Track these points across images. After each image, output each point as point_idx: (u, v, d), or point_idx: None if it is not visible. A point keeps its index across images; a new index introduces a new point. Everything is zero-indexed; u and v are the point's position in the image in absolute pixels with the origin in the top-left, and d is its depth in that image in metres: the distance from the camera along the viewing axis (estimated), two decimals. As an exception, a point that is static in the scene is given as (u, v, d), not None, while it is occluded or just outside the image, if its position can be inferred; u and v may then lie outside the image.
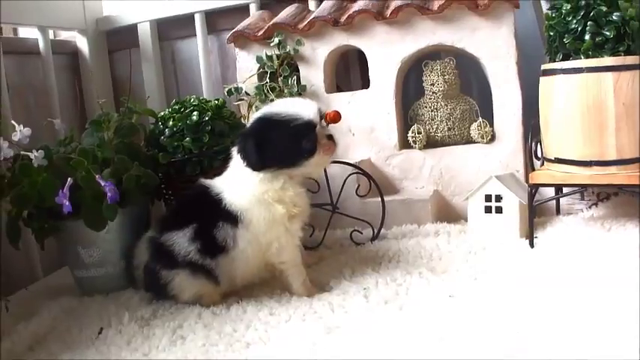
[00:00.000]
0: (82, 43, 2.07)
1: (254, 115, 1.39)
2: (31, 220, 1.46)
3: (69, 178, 1.31)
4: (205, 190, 1.37)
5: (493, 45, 1.69)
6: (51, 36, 2.05)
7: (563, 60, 1.46)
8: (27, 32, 2.01)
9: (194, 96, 1.61)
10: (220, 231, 1.33)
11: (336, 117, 1.53)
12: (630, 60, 1.37)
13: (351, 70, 1.97)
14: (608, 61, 1.37)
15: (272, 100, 1.78)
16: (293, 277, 1.38)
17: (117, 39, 2.14)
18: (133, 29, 2.08)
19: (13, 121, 1.41)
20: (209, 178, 1.40)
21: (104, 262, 1.49)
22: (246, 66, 1.86)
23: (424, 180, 1.76)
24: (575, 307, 1.14)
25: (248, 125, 1.42)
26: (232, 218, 1.33)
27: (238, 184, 1.35)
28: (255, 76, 1.84)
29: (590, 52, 1.41)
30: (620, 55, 1.38)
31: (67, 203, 1.30)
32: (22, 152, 1.37)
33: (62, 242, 1.51)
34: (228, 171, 1.40)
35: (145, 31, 2.05)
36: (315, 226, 1.64)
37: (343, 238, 1.67)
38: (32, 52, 1.93)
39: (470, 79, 1.86)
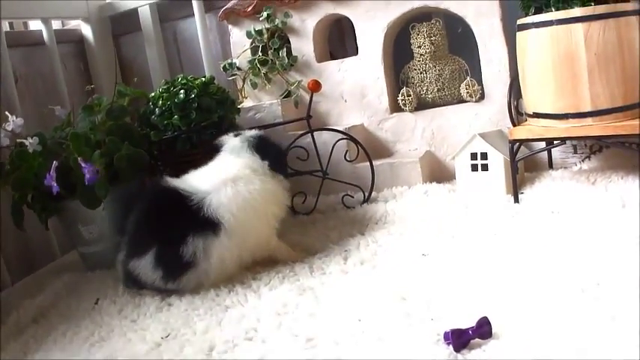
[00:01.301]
0: (87, 31, 2.17)
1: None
2: (33, 203, 1.57)
3: (54, 161, 1.42)
4: (172, 196, 1.35)
5: (477, 3, 1.70)
6: (59, 26, 2.15)
7: (535, 14, 1.47)
8: (36, 25, 2.12)
9: (182, 75, 1.69)
10: (188, 246, 1.31)
11: (315, 86, 1.59)
12: (600, 9, 1.37)
13: (346, 38, 2.01)
14: (577, 12, 1.38)
15: (265, 74, 1.85)
16: (279, 250, 1.44)
17: (121, 24, 2.24)
18: (135, 13, 2.16)
19: (6, 112, 1.51)
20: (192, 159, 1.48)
21: (103, 237, 1.58)
22: (239, 41, 1.93)
23: (416, 142, 1.80)
24: (546, 268, 1.16)
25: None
26: (211, 226, 1.32)
27: (228, 188, 1.36)
28: (249, 50, 1.90)
29: (560, 5, 1.41)
30: (590, 6, 1.39)
31: (55, 184, 1.40)
32: (18, 140, 1.49)
33: (65, 222, 1.62)
34: (212, 171, 1.43)
35: (145, 14, 2.13)
36: (307, 193, 1.71)
37: (336, 202, 1.72)
38: (39, 43, 2.04)
39: (461, 39, 1.87)
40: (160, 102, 1.63)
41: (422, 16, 1.83)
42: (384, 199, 1.69)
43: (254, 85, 1.87)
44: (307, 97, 1.85)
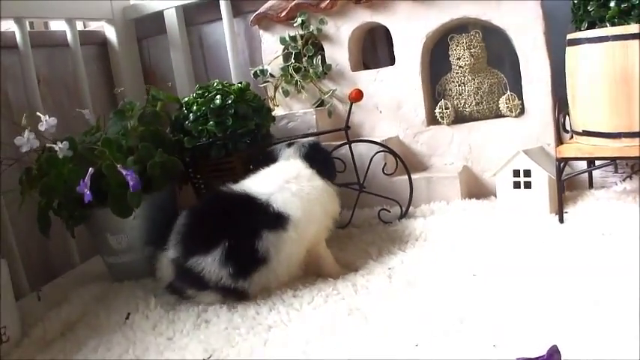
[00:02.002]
0: (111, 33, 2.09)
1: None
2: (60, 210, 1.49)
3: (90, 168, 1.34)
4: (239, 197, 1.35)
5: (519, 16, 1.64)
6: (80, 27, 2.07)
7: (588, 29, 1.41)
8: (57, 25, 2.04)
9: (217, 80, 1.62)
10: (263, 241, 1.28)
11: (358, 96, 1.52)
12: (658, 26, 1.32)
13: (378, 47, 1.94)
14: (634, 28, 1.32)
15: (297, 82, 1.78)
16: (326, 259, 1.39)
17: (145, 26, 2.16)
18: (160, 16, 2.09)
19: (38, 112, 1.43)
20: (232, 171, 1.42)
21: (132, 248, 1.51)
22: (271, 47, 1.86)
23: (453, 156, 1.73)
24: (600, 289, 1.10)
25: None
26: (280, 222, 1.30)
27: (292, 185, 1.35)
28: (281, 57, 1.83)
29: (615, 20, 1.36)
30: (648, 22, 1.33)
31: (88, 192, 1.32)
32: (47, 144, 1.40)
33: (92, 230, 1.54)
34: (272, 173, 1.41)
35: (171, 17, 2.05)
36: (342, 206, 1.64)
37: (371, 216, 1.66)
38: (62, 44, 1.96)
39: (500, 52, 1.81)
40: (195, 107, 1.56)
41: (459, 27, 1.77)
42: (421, 215, 1.62)
43: (286, 93, 1.80)
44: (340, 106, 1.79)
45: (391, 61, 1.89)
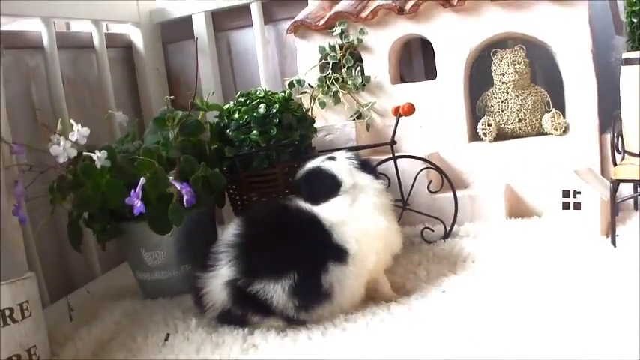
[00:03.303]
0: (136, 36, 1.93)
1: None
2: (92, 222, 1.33)
3: (141, 178, 1.17)
4: (305, 217, 1.16)
5: (566, 33, 1.52)
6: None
7: (646, 48, 1.29)
8: (78, 26, 1.87)
9: (260, 88, 1.46)
10: (328, 275, 1.11)
11: (411, 110, 1.38)
12: None
13: (413, 60, 1.80)
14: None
15: (335, 92, 1.63)
16: (383, 284, 1.24)
17: (171, 31, 2.00)
18: (187, 20, 1.93)
19: (71, 120, 1.27)
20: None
21: (169, 265, 1.35)
22: (307, 57, 1.71)
23: (495, 174, 1.59)
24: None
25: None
26: (342, 254, 1.13)
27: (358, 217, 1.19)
28: (317, 67, 1.68)
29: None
30: None
31: (140, 204, 1.16)
32: (83, 152, 1.23)
33: (125, 244, 1.39)
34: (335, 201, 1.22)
35: (199, 23, 1.90)
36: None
37: (413, 235, 1.51)
38: (86, 46, 1.79)
39: (541, 69, 1.69)
40: (237, 115, 1.40)
41: (499, 42, 1.64)
42: (466, 235, 1.49)
43: (322, 105, 1.65)
44: (378, 120, 1.64)
45: (427, 74, 1.76)
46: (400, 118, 1.45)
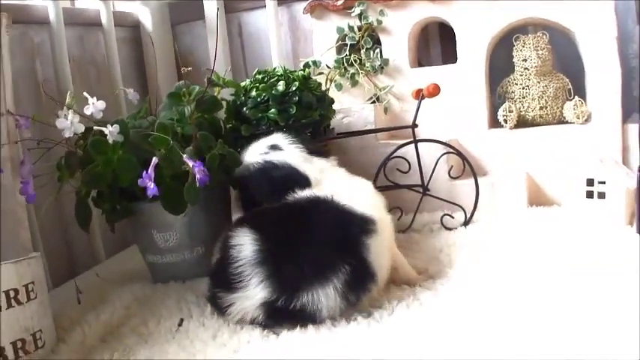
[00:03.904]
0: (144, 15, 1.81)
1: None
2: (101, 201, 1.21)
3: (154, 158, 1.06)
4: (323, 204, 1.02)
5: (591, 19, 1.43)
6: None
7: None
8: (82, 3, 1.75)
9: (278, 65, 1.36)
10: (369, 252, 0.99)
11: (436, 91, 1.29)
12: None
13: (430, 44, 1.70)
14: None
15: (353, 75, 1.53)
16: (403, 264, 1.13)
17: (179, 11, 1.88)
18: (196, 1, 1.81)
19: (85, 93, 1.15)
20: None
21: (181, 247, 1.24)
22: (323, 38, 1.60)
23: (515, 161, 1.50)
24: None
25: None
26: (369, 224, 1.01)
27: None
28: (334, 49, 1.58)
29: None
30: None
31: (152, 186, 1.05)
32: (97, 127, 1.12)
33: (135, 225, 1.26)
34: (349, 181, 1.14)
35: (210, 3, 1.78)
36: (402, 209, 1.40)
37: (432, 221, 1.41)
38: (92, 23, 1.67)
39: (560, 55, 1.60)
40: (254, 93, 1.29)
41: (519, 27, 1.55)
42: (486, 222, 1.39)
43: (339, 87, 1.55)
44: (396, 103, 1.55)
45: (444, 59, 1.67)
46: (422, 101, 1.36)
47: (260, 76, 1.32)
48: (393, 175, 1.39)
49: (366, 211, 1.03)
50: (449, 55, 1.60)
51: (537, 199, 1.47)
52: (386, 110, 1.54)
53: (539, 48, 1.48)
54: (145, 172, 1.04)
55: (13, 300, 0.96)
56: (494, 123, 1.53)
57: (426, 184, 1.39)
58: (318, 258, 0.96)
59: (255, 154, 1.16)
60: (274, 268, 0.96)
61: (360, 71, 1.53)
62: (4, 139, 1.14)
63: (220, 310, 1.03)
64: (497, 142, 1.51)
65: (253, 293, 0.96)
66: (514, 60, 1.51)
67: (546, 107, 1.49)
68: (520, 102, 1.51)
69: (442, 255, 1.25)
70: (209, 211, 1.23)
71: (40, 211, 1.33)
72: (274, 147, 1.15)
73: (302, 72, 1.34)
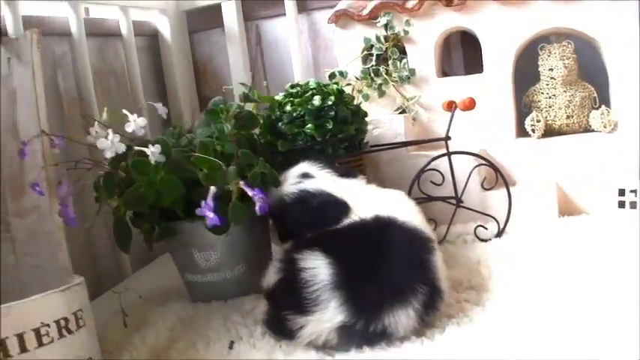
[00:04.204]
0: (163, 24, 1.76)
1: None
2: (140, 220, 1.17)
3: (212, 187, 1.02)
4: (390, 222, 1.00)
5: (615, 28, 1.41)
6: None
7: None
8: (96, 12, 1.70)
9: (312, 79, 1.33)
10: (435, 268, 0.98)
11: (472, 104, 1.27)
12: None
13: (452, 54, 1.68)
14: None
15: (379, 85, 1.50)
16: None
17: (197, 19, 1.84)
18: (214, 9, 1.77)
19: (125, 110, 1.11)
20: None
21: (222, 266, 1.19)
22: (348, 48, 1.57)
23: (543, 171, 1.48)
24: None
25: None
26: (428, 241, 1.01)
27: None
28: (359, 59, 1.55)
29: None
30: None
31: (212, 215, 1.00)
32: (137, 147, 1.08)
33: (173, 244, 1.22)
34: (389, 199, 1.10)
35: (229, 11, 1.74)
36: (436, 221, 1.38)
37: (465, 233, 1.39)
38: (111, 33, 1.62)
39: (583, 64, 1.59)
40: (289, 107, 1.26)
41: (542, 37, 1.53)
42: (519, 233, 1.37)
43: (366, 97, 1.52)
44: (423, 114, 1.52)
45: (466, 69, 1.65)
46: (454, 113, 1.33)
47: (294, 90, 1.29)
48: (424, 187, 1.37)
49: (422, 228, 1.01)
50: (471, 65, 1.58)
51: (565, 208, 1.46)
52: (414, 121, 1.51)
53: (565, 57, 1.46)
54: (204, 202, 1.00)
55: (64, 329, 0.91)
56: (521, 132, 1.51)
57: (460, 195, 1.37)
58: (398, 279, 0.93)
59: (287, 184, 1.12)
60: (352, 292, 0.92)
61: (385, 83, 1.51)
62: (41, 160, 1.10)
63: (281, 331, 0.99)
64: (524, 152, 1.49)
65: (329, 317, 0.92)
66: (540, 69, 1.49)
67: (573, 116, 1.48)
68: (547, 111, 1.49)
69: (481, 267, 1.23)
70: (250, 229, 1.19)
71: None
72: (305, 175, 1.12)
73: (336, 85, 1.31)
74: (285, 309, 0.97)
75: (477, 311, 1.05)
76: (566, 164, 1.46)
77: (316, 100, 1.24)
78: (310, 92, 1.26)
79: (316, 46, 1.74)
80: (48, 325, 0.87)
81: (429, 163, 1.34)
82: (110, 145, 1.06)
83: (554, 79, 1.47)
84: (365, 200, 1.08)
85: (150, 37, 1.76)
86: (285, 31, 1.74)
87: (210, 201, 0.99)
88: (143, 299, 1.25)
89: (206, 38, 1.83)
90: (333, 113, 1.24)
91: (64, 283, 1.05)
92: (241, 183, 1.02)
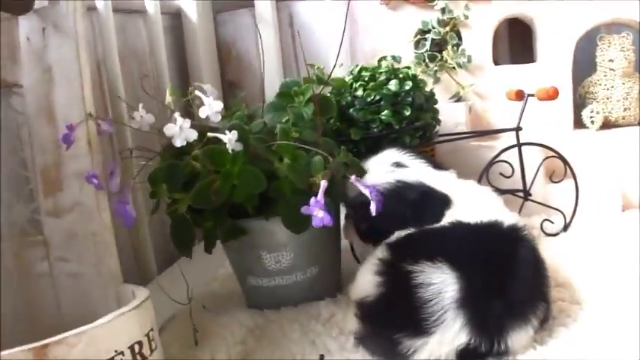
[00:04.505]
0: (187, 3, 1.60)
1: None
2: (204, 220, 1.00)
3: (322, 181, 0.87)
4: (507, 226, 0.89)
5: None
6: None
7: None
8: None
9: (384, 62, 1.21)
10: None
11: (556, 94, 1.18)
12: None
13: (498, 43, 1.59)
14: None
15: (435, 72, 1.40)
16: None
17: (222, -1, 1.68)
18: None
19: (198, 92, 0.97)
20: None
21: (294, 268, 1.04)
22: (399, 31, 1.46)
23: (602, 163, 1.41)
24: None
25: None
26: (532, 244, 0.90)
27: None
28: (412, 43, 1.44)
29: None
30: None
31: (322, 214, 0.86)
32: (211, 134, 0.93)
33: (236, 245, 1.04)
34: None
35: (261, -10, 1.59)
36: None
37: (531, 226, 1.29)
38: (136, 10, 1.46)
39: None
40: (361, 92, 1.14)
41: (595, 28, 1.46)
42: (585, 227, 1.29)
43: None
44: (478, 102, 1.43)
45: (511, 58, 1.57)
46: (527, 102, 1.25)
47: (366, 73, 1.17)
48: (497, 180, 1.27)
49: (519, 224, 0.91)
50: (517, 55, 1.50)
51: (629, 202, 1.40)
52: (470, 109, 1.42)
53: (624, 49, 1.39)
54: (313, 199, 0.86)
55: (138, 356, 0.74)
56: (580, 124, 1.44)
57: (528, 188, 1.28)
58: (523, 296, 0.82)
59: (378, 173, 0.99)
60: (479, 310, 0.80)
61: (440, 69, 1.40)
62: (85, 149, 0.94)
63: (385, 354, 0.85)
64: (583, 144, 1.41)
65: (451, 338, 0.79)
66: (597, 60, 1.42)
67: (630, 108, 1.42)
68: (604, 103, 1.42)
69: (559, 263, 1.15)
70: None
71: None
72: (397, 164, 0.99)
73: (409, 69, 1.19)
74: (393, 329, 0.83)
75: (576, 310, 0.96)
76: (625, 157, 1.39)
77: (392, 85, 1.12)
78: (384, 76, 1.14)
79: (354, 30, 1.60)
80: (122, 353, 0.70)
81: (499, 154, 1.24)
82: (179, 131, 0.91)
83: (614, 71, 1.40)
84: (462, 196, 0.97)
85: (173, 15, 1.60)
86: (320, 14, 1.60)
87: (321, 196, 0.85)
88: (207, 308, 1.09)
89: (231, 19, 1.68)
90: (410, 99, 1.13)
91: (112, 294, 0.91)
92: (353, 178, 0.89)
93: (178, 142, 0.91)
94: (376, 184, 0.95)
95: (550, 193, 1.33)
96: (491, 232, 0.88)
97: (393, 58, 1.38)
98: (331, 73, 1.06)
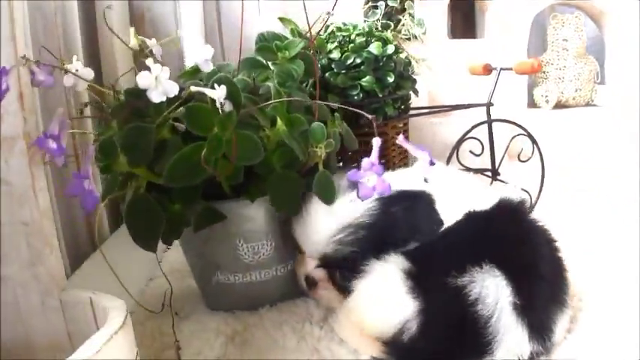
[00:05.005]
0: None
1: None
2: (165, 200, 0.77)
3: (375, 139, 0.67)
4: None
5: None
6: None
7: None
8: None
9: (355, 22, 1.05)
10: None
11: (540, 68, 1.10)
12: None
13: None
14: None
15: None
16: None
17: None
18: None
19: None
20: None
21: (274, 261, 0.86)
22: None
23: (553, 144, 1.36)
24: None
25: None
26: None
27: None
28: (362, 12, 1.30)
29: None
30: None
31: (375, 182, 0.65)
32: (194, 87, 0.72)
33: (207, 234, 0.82)
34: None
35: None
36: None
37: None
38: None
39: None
40: (338, 54, 0.97)
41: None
42: (549, 205, 1.24)
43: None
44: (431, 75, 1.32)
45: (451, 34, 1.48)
46: (498, 77, 1.16)
47: (340, 33, 1.00)
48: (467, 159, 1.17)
49: None
50: (456, 31, 1.42)
51: (577, 182, 1.36)
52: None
53: (578, 29, 1.37)
54: (367, 160, 0.66)
55: None
56: (532, 104, 1.38)
57: (497, 167, 1.19)
58: (564, 294, 0.74)
59: (345, 207, 0.80)
60: (536, 309, 0.69)
61: (393, 39, 1.27)
62: (13, 104, 0.69)
63: None
64: (536, 123, 1.36)
65: (513, 347, 0.67)
66: (549, 39, 1.39)
67: (581, 89, 1.39)
68: (555, 83, 1.38)
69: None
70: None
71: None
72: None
73: (388, 32, 1.04)
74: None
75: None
76: (575, 137, 1.36)
77: (374, 48, 0.97)
78: (364, 38, 0.98)
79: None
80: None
81: (470, 130, 1.14)
82: (155, 82, 0.69)
83: (567, 51, 1.36)
84: (440, 187, 0.81)
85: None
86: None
87: (375, 157, 0.67)
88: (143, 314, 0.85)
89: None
90: (392, 65, 0.98)
91: (53, 303, 0.67)
92: (400, 137, 0.72)
93: (155, 97, 0.68)
94: (355, 217, 0.77)
95: (512, 173, 1.25)
96: (504, 215, 0.76)
97: (350, 26, 1.22)
98: (310, 29, 0.87)
